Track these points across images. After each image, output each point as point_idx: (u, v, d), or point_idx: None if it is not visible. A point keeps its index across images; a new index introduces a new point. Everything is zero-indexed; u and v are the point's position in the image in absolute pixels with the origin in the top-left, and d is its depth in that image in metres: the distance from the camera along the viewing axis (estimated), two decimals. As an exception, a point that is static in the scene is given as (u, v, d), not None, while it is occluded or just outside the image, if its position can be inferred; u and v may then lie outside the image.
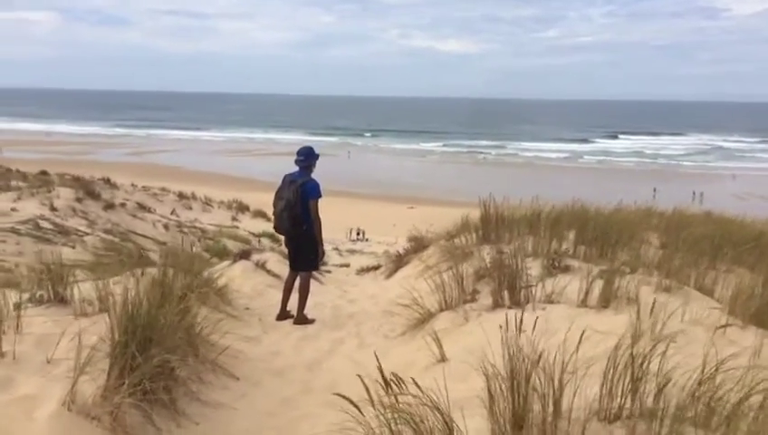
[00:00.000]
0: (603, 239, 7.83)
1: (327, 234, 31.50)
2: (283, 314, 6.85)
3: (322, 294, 8.58)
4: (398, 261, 10.13)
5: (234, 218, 33.53)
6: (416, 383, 2.69)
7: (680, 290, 5.72)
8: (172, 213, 28.71)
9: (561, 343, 3.24)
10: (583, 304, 5.02)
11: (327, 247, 26.79)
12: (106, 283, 4.88)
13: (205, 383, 3.90)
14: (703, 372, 2.93)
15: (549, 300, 5.26)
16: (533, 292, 5.37)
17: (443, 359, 4.41)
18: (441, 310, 5.49)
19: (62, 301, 4.74)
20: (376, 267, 11.56)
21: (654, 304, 4.29)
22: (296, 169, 6.95)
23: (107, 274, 6.63)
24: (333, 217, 41.37)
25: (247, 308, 6.99)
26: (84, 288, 5.62)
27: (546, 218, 9.46)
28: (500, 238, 8.96)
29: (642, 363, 3.05)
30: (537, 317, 4.08)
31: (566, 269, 6.34)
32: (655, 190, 49.02)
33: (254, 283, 8.00)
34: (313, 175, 7.02)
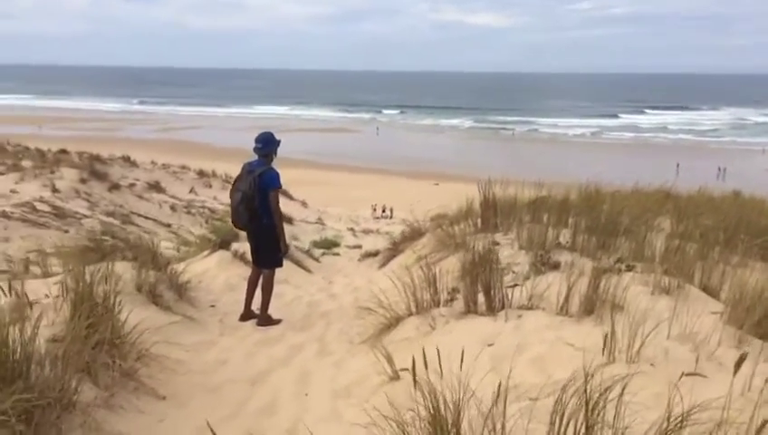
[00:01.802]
0: (608, 227, 7.20)
1: (353, 210, 31.01)
2: (247, 314, 6.36)
3: (305, 287, 8.11)
4: (394, 249, 9.61)
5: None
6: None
7: (680, 291, 5.12)
8: (191, 191, 28.51)
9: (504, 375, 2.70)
10: (563, 310, 4.46)
11: (342, 227, 26.46)
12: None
13: (114, 409, 3.45)
14: (668, 422, 2.39)
15: (528, 305, 4.71)
16: (511, 295, 4.81)
17: (396, 377, 3.91)
18: (410, 314, 4.97)
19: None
20: (376, 253, 11.05)
21: (634, 314, 3.73)
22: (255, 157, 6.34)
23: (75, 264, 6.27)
24: (360, 194, 41.29)
25: (213, 306, 6.53)
26: (32, 287, 5.22)
27: (552, 203, 8.87)
28: (501, 226, 8.37)
29: (596, 407, 2.52)
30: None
31: (556, 266, 5.75)
32: (678, 166, 47.58)
33: (229, 275, 7.55)
34: (273, 164, 6.39)
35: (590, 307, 4.43)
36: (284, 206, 26.51)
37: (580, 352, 3.75)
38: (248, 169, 6.26)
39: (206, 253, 8.44)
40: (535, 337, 4.08)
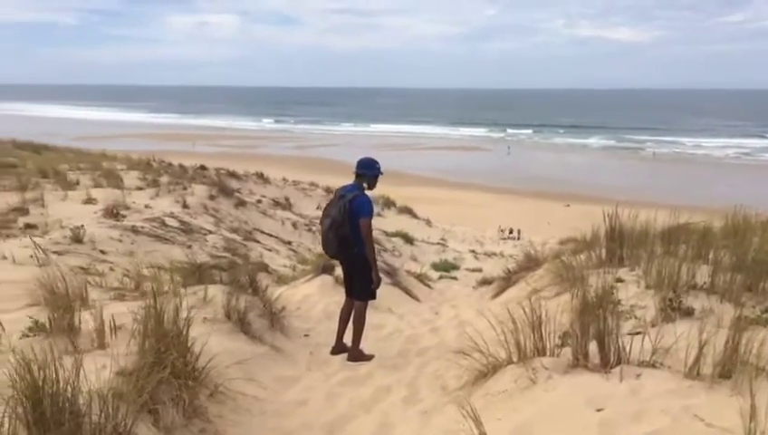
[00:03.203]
0: (757, 266, 6.17)
1: (479, 230, 30.24)
2: (338, 348, 6.02)
3: (409, 318, 7.67)
4: (507, 279, 8.98)
5: (378, 214, 33.47)
6: None
7: None
8: (317, 208, 29.13)
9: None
10: (693, 372, 3.73)
11: (464, 248, 25.82)
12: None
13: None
14: None
15: (650, 361, 4.01)
16: (630, 346, 4.12)
17: (484, 441, 3.38)
18: (510, 362, 4.40)
19: (71, 330, 4.27)
20: (492, 281, 10.45)
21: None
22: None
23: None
24: (487, 213, 40.54)
25: (306, 335, 6.27)
26: (124, 310, 5.15)
27: (691, 233, 7.92)
28: (627, 259, 7.53)
29: None
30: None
31: (689, 312, 4.96)
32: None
33: (329, 302, 7.26)
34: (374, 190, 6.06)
35: (727, 370, 3.69)
36: (408, 224, 26.29)
37: (713, 431, 3.07)
38: (340, 193, 5.97)
39: (309, 276, 8.27)
40: (656, 405, 3.42)
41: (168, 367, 3.45)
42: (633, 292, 5.99)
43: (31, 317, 4.37)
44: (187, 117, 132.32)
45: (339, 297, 7.52)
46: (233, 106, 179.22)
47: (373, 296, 6.11)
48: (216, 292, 5.54)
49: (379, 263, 9.82)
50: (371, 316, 7.31)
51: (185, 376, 3.67)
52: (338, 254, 5.93)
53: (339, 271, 8.22)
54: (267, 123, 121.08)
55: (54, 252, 9.34)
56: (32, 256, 8.84)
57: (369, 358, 5.93)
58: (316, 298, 7.46)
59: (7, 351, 3.73)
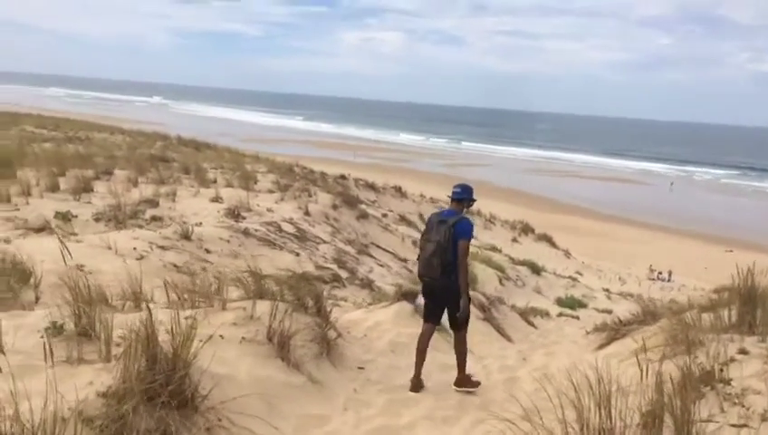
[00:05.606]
0: None
1: (625, 268, 28.41)
2: (418, 384, 5.66)
3: (488, 361, 6.76)
4: (616, 331, 7.88)
5: (514, 240, 32.37)
6: None
7: None
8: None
9: None
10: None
11: (597, 285, 24.03)
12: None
13: None
14: None
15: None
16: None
17: None
18: (565, 445, 3.60)
19: (86, 335, 4.04)
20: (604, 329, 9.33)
21: None
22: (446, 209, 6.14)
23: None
24: (637, 250, 37.98)
25: (361, 368, 5.71)
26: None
27: None
28: (759, 327, 6.30)
29: None
30: None
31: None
32: None
33: (401, 333, 6.63)
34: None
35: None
36: (543, 253, 25.03)
37: None
38: (439, 219, 5.86)
39: (388, 302, 7.71)
40: None
41: (138, 393, 3.08)
42: (753, 370, 4.90)
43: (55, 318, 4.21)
44: (348, 127, 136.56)
45: (413, 329, 6.88)
46: (390, 120, 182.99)
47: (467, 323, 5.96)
48: (267, 308, 5.18)
49: (472, 293, 9.15)
50: (447, 355, 6.67)
51: (176, 405, 3.29)
52: (438, 279, 5.72)
53: (420, 300, 7.65)
54: (420, 139, 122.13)
55: (160, 246, 9.55)
56: (135, 249, 9.07)
57: (475, 384, 5.84)
58: (387, 326, 6.88)
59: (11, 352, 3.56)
